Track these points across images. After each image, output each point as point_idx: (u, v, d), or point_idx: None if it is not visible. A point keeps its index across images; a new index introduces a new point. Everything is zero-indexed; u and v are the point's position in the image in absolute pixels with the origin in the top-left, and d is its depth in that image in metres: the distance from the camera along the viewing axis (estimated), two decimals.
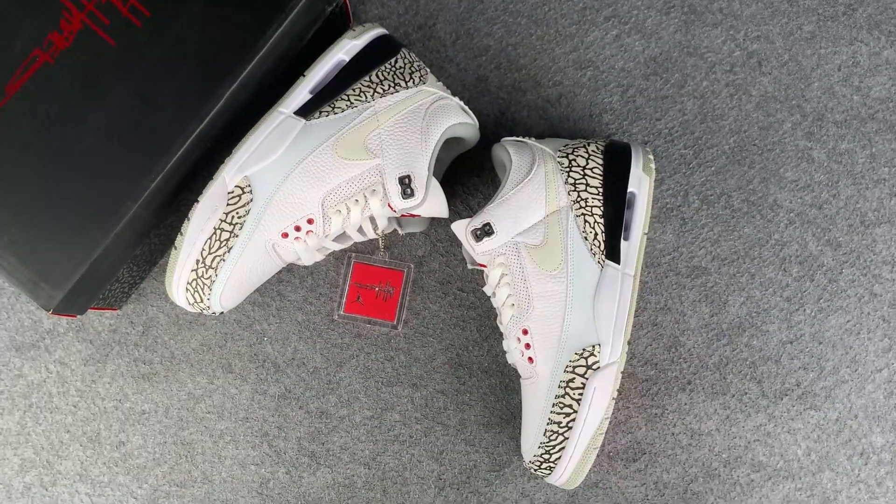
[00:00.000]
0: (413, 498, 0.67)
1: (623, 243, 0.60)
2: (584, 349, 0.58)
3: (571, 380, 0.58)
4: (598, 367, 0.58)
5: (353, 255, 0.69)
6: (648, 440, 0.67)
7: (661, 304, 0.68)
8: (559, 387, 0.58)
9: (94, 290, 0.61)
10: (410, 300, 0.68)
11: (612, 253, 0.59)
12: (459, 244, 0.69)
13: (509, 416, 0.67)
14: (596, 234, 0.59)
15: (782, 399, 0.67)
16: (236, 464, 0.68)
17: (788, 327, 0.67)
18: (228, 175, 0.59)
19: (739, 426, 0.67)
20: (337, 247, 0.63)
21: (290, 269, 0.69)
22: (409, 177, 0.59)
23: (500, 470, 0.67)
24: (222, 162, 0.60)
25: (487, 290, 0.62)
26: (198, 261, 0.58)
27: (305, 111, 0.61)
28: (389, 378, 0.68)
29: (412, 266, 0.68)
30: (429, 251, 0.69)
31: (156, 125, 0.58)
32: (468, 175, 0.69)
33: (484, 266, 0.62)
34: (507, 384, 0.68)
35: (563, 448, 0.58)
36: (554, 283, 0.59)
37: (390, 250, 0.69)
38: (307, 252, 0.61)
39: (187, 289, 0.59)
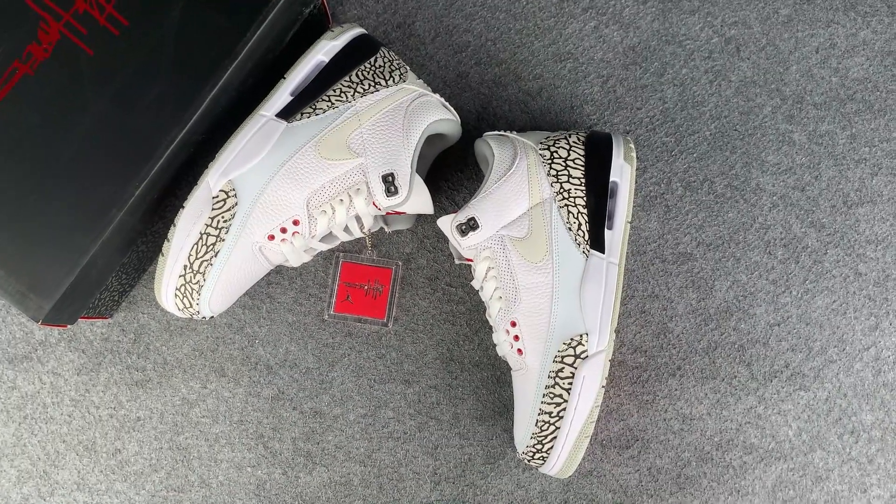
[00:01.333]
0: (409, 493, 0.68)
1: (607, 232, 0.60)
2: (571, 339, 0.58)
3: (560, 370, 0.58)
4: (587, 356, 0.58)
5: (341, 254, 0.69)
6: (641, 427, 0.67)
7: (648, 291, 0.68)
8: (549, 377, 0.58)
9: (84, 300, 0.62)
10: (400, 297, 0.69)
11: (597, 242, 0.60)
12: (446, 240, 0.69)
13: (502, 408, 0.68)
14: (579, 224, 0.60)
15: (772, 381, 0.67)
16: (233, 467, 0.68)
17: (775, 310, 0.68)
18: (212, 179, 0.59)
19: (730, 409, 0.67)
20: (324, 247, 0.63)
21: (279, 270, 0.69)
22: (392, 174, 0.60)
23: (494, 462, 0.68)
24: (206, 167, 0.60)
25: (475, 284, 0.63)
26: (185, 266, 0.59)
27: (287, 113, 0.61)
28: (382, 375, 0.68)
29: (400, 263, 0.69)
30: (416, 248, 0.69)
31: (138, 132, 0.58)
32: (452, 171, 0.70)
33: (471, 260, 0.62)
34: (498, 377, 0.68)
35: (554, 438, 0.59)
36: (540, 275, 0.59)
37: (378, 248, 0.69)
38: (294, 253, 0.62)
39: (176, 294, 0.59)
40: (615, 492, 0.67)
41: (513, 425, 0.67)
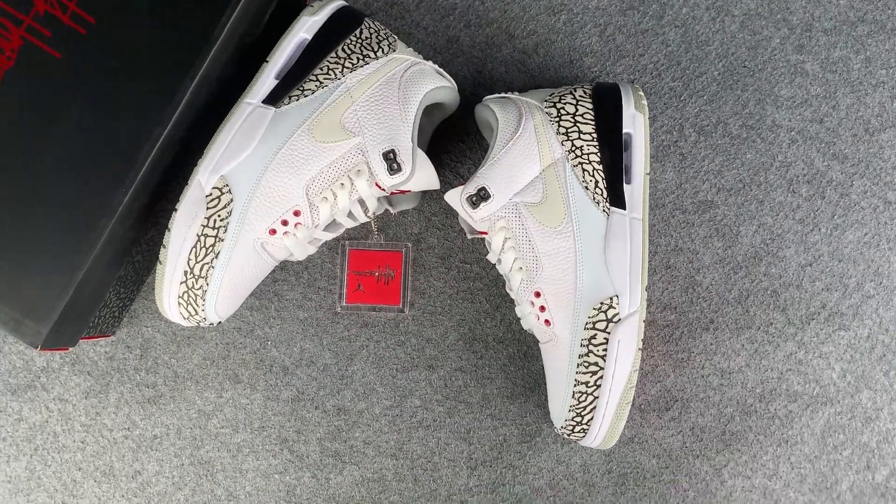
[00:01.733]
0: (446, 482, 0.65)
1: (626, 187, 0.57)
2: (601, 303, 0.55)
3: (593, 336, 0.55)
4: (619, 319, 0.55)
5: (347, 242, 0.66)
6: (678, 386, 0.64)
7: (671, 245, 0.65)
8: (581, 345, 0.55)
9: (83, 319, 0.58)
10: (413, 280, 0.65)
11: (616, 199, 0.56)
12: (455, 215, 0.66)
13: (532, 383, 0.65)
14: (596, 181, 0.56)
15: (809, 323, 0.64)
16: (259, 475, 0.65)
17: (805, 249, 0.65)
18: (203, 177, 0.56)
19: (769, 358, 0.64)
20: (329, 236, 0.60)
21: (284, 266, 0.66)
22: (393, 151, 0.56)
23: (531, 440, 0.65)
24: (195, 164, 0.57)
25: (491, 257, 0.59)
26: (185, 272, 0.55)
27: (274, 98, 0.57)
28: (404, 364, 0.65)
29: (410, 245, 0.65)
30: (424, 227, 0.66)
31: (119, 136, 0.55)
32: (453, 142, 0.66)
33: (484, 233, 0.59)
34: (525, 351, 0.65)
35: (594, 408, 0.56)
36: (560, 240, 0.56)
37: (384, 232, 0.66)
38: (298, 246, 0.58)
39: (179, 303, 0.56)
40: (659, 456, 0.64)
41: (546, 400, 0.64)
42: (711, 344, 0.65)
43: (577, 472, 0.64)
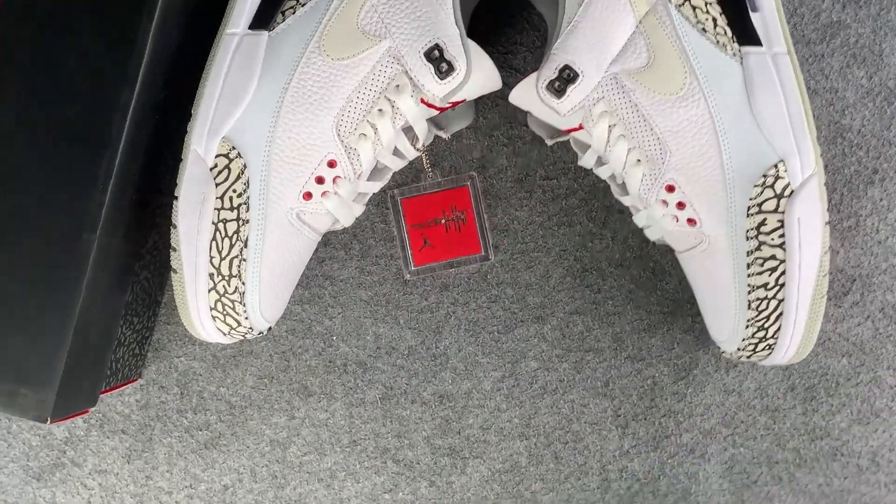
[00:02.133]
0: (595, 451, 0.52)
1: (753, 17, 0.42)
2: (763, 176, 0.41)
3: (762, 223, 0.41)
4: (793, 191, 0.41)
5: (396, 191, 0.51)
6: (853, 262, 0.51)
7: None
8: (748, 238, 0.41)
9: (96, 370, 0.45)
10: (490, 218, 0.51)
11: (746, 35, 0.42)
12: (523, 121, 0.51)
13: (671, 306, 0.51)
14: (714, 19, 0.42)
15: None
16: (365, 499, 0.52)
17: None
18: (200, 145, 0.42)
19: None
20: (375, 187, 0.46)
21: (327, 241, 0.52)
22: (437, 46, 0.41)
23: (687, 376, 0.51)
24: (185, 133, 0.43)
25: (587, 160, 0.45)
26: (211, 274, 0.41)
27: (262, 20, 0.43)
28: (505, 322, 0.52)
29: (475, 175, 0.51)
30: (487, 147, 0.51)
31: (78, 121, 0.40)
32: (498, 29, 0.51)
33: (576, 129, 0.45)
34: (653, 268, 0.51)
35: (780, 314, 0.42)
36: (687, 107, 0.41)
37: (439, 167, 0.52)
38: (343, 207, 0.44)
39: (214, 316, 0.42)
40: (850, 354, 0.51)
41: (696, 322, 0.50)
42: (881, 199, 0.51)
43: (754, 398, 0.51)
